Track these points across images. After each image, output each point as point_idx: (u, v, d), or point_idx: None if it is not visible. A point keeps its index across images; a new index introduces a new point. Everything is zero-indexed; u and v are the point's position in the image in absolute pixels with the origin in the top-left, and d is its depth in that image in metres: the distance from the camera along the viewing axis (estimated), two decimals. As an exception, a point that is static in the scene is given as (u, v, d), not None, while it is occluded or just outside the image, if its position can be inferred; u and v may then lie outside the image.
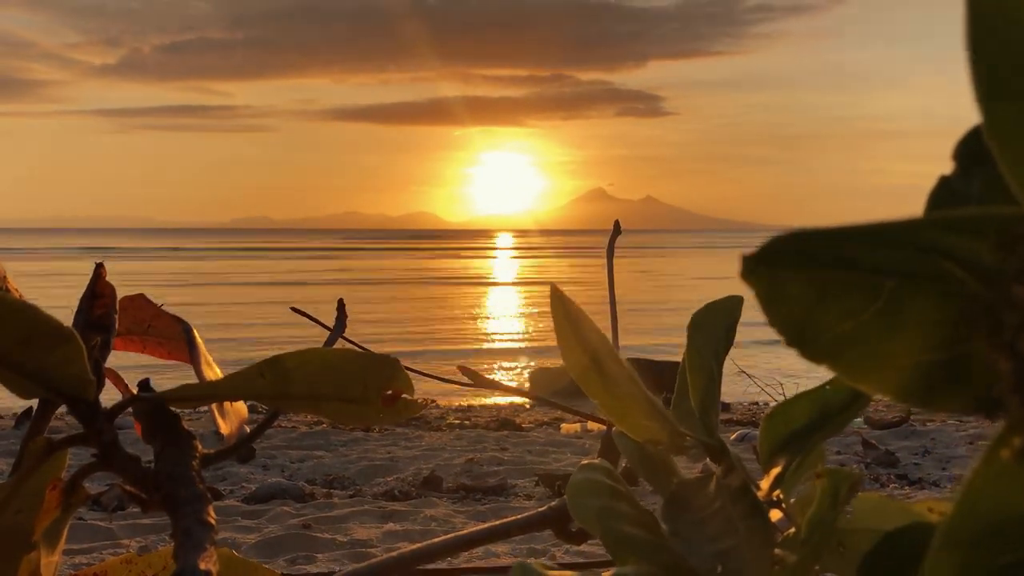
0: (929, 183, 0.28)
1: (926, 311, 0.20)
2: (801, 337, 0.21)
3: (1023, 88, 0.20)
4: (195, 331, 0.45)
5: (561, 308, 0.36)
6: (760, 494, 0.36)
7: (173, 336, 0.49)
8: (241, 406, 0.42)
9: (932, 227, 0.19)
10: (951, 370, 0.21)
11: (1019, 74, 0.20)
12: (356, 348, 0.47)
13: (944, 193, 0.26)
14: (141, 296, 0.50)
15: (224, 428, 0.38)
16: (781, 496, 0.37)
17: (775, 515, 0.37)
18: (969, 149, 0.26)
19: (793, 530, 0.36)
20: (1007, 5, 0.19)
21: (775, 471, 0.37)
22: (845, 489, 0.34)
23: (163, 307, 0.50)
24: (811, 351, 0.21)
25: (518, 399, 6.95)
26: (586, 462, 0.38)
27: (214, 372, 0.43)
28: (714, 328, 0.42)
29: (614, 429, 0.41)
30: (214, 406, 0.39)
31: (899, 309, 0.20)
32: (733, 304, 0.43)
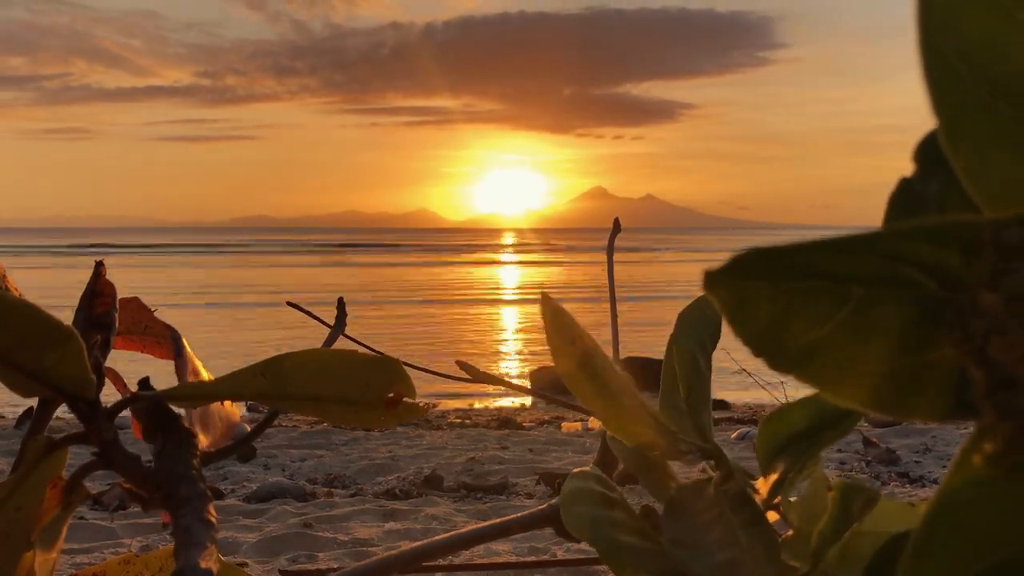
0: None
1: (895, 318, 0.20)
2: (768, 347, 0.21)
3: (982, 100, 0.20)
4: (184, 340, 0.45)
5: (551, 314, 0.36)
6: (758, 498, 0.36)
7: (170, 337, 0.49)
8: (232, 410, 0.42)
9: (898, 237, 0.19)
10: (921, 377, 0.21)
11: (978, 86, 0.20)
12: (358, 347, 0.47)
13: (905, 195, 0.26)
14: (136, 299, 0.49)
15: (203, 440, 0.37)
16: (779, 500, 0.37)
17: (771, 517, 0.37)
18: (929, 151, 0.26)
19: (791, 532, 0.36)
20: (959, 16, 0.19)
21: (773, 476, 0.37)
22: (859, 505, 0.34)
23: (155, 311, 0.50)
24: (778, 361, 0.21)
25: (519, 398, 6.94)
26: (578, 470, 0.38)
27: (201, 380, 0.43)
28: (701, 325, 0.42)
29: (608, 434, 0.41)
30: (196, 415, 0.38)
31: (867, 316, 0.20)
32: None
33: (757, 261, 0.19)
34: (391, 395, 0.37)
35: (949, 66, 0.20)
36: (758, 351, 0.21)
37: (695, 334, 0.42)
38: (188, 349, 0.44)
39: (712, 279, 0.20)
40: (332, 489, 4.05)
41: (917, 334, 0.21)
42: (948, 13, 0.20)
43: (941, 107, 0.20)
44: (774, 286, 0.20)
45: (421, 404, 0.38)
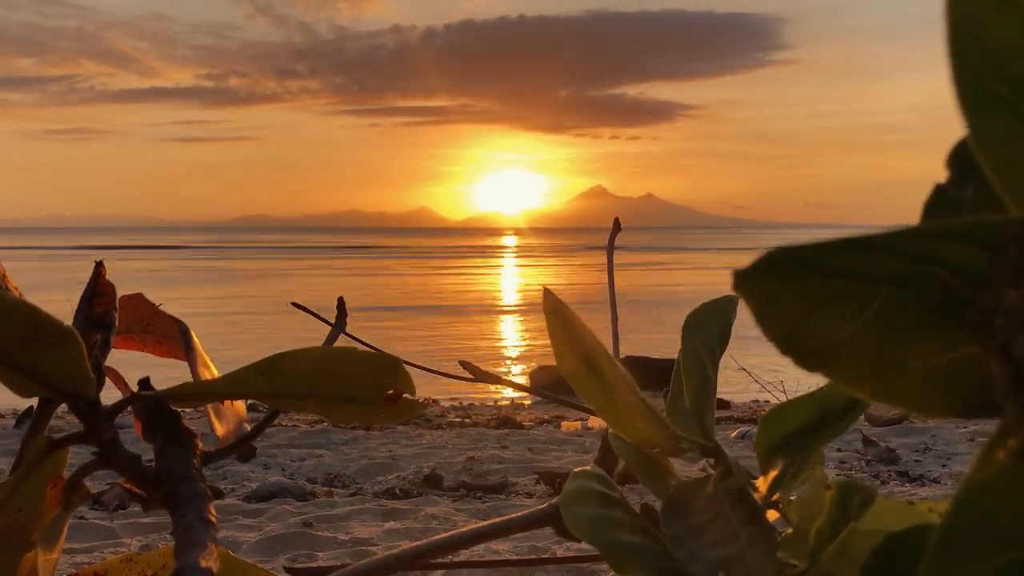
0: (929, 176, 0.28)
1: (920, 317, 0.21)
2: (796, 346, 0.21)
3: (1005, 99, 0.20)
4: (192, 332, 0.45)
5: (554, 310, 0.36)
6: (757, 496, 0.36)
7: (172, 335, 0.49)
8: (239, 406, 0.42)
9: (923, 236, 0.19)
10: (946, 375, 0.21)
11: (1000, 85, 0.20)
12: (359, 345, 0.47)
13: (939, 200, 0.26)
14: (139, 295, 0.49)
15: (219, 430, 0.38)
16: (778, 498, 0.37)
17: (771, 515, 0.37)
18: (962, 156, 0.26)
19: (791, 531, 0.36)
20: (987, 18, 0.20)
21: (773, 473, 0.37)
22: (857, 503, 0.34)
23: (160, 307, 0.50)
24: (806, 360, 0.21)
25: (519, 397, 6.94)
26: (578, 469, 0.38)
27: (211, 373, 0.43)
28: (710, 328, 0.42)
29: (609, 431, 0.41)
30: (210, 407, 0.39)
31: (893, 315, 0.21)
32: (728, 304, 0.42)
33: (784, 261, 0.20)
34: (390, 392, 0.37)
35: (973, 67, 0.20)
36: (785, 350, 0.21)
37: (704, 335, 0.42)
38: (196, 341, 0.44)
39: (741, 279, 0.20)
40: (332, 488, 4.05)
41: (942, 333, 0.21)
42: (973, 15, 0.20)
43: (967, 108, 0.20)
44: (801, 286, 0.20)
45: (420, 400, 0.38)
